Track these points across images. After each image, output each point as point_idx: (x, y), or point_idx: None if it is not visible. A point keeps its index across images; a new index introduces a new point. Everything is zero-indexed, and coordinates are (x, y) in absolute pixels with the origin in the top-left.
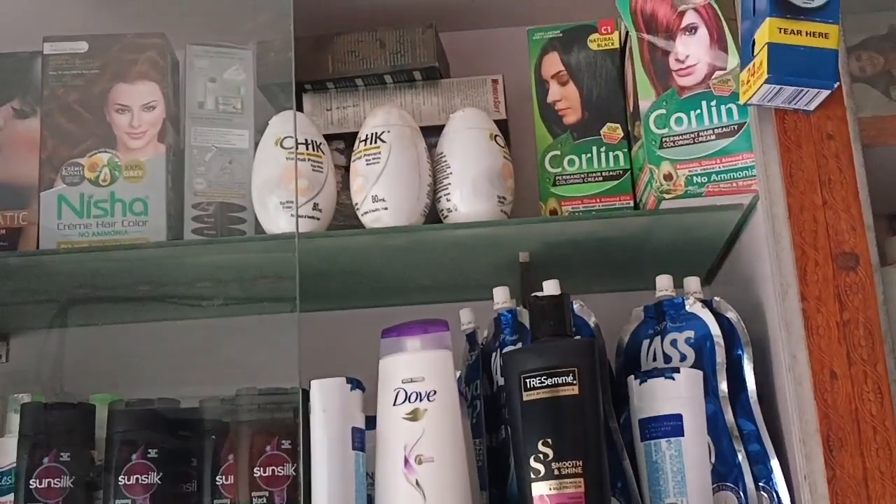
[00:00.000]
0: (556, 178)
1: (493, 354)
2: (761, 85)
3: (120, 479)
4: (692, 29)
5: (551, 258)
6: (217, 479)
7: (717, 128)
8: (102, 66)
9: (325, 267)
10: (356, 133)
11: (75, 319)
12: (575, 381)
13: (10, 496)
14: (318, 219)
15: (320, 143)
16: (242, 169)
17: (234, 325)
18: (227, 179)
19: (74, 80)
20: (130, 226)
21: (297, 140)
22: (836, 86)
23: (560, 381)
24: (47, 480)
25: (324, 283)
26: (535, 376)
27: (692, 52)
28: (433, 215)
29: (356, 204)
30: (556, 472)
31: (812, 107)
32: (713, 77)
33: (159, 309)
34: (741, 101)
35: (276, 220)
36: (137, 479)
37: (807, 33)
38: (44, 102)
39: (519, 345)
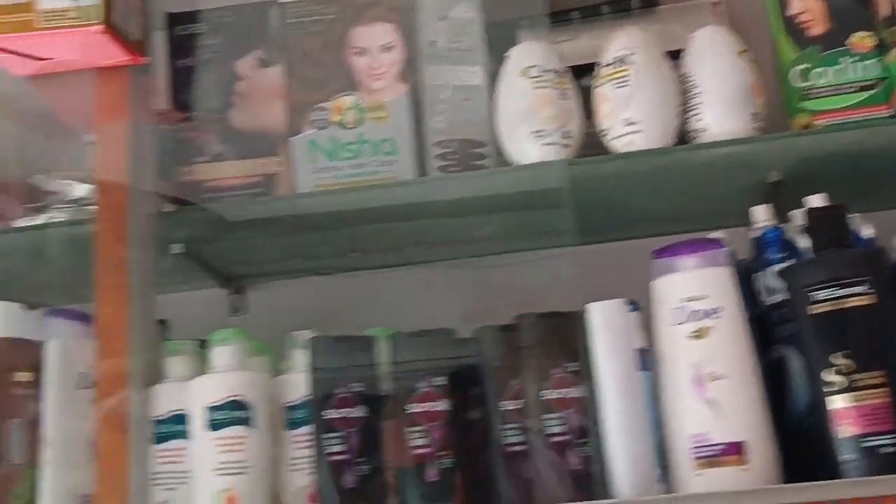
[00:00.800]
0: (806, 92)
1: (756, 275)
2: None
3: (409, 407)
4: None
5: (802, 176)
6: (502, 404)
7: None
8: (339, 11)
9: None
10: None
11: (331, 264)
12: (872, 290)
13: (305, 428)
14: (569, 146)
15: (564, 71)
16: (478, 105)
17: (492, 260)
18: (466, 116)
19: (313, 26)
20: (380, 166)
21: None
22: None
23: (853, 292)
24: (343, 411)
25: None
26: (823, 288)
27: None
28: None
29: (604, 130)
30: (858, 384)
31: None
32: None
33: (424, 248)
34: None
35: (527, 150)
36: (426, 407)
37: None
38: (285, 50)
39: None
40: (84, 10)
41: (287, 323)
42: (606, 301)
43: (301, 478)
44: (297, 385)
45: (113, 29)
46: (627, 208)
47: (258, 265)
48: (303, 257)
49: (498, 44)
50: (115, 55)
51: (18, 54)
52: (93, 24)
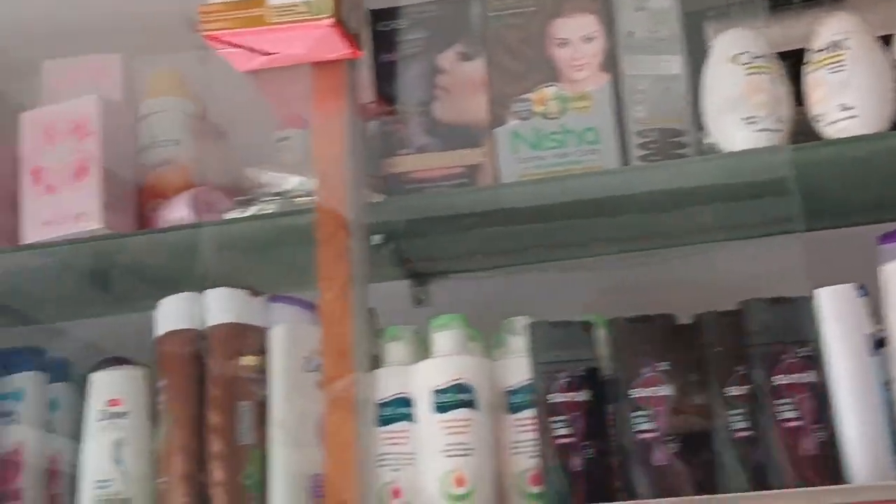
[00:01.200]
0: None
1: None
2: None
3: (633, 392)
4: None
5: None
6: (727, 389)
7: None
8: (539, 3)
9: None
10: None
11: (530, 256)
12: None
13: (526, 412)
14: (782, 132)
15: (773, 57)
16: (678, 94)
17: (703, 248)
18: (665, 105)
19: (514, 19)
20: (584, 155)
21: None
22: None
23: None
24: (567, 395)
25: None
26: None
27: None
28: None
29: (817, 115)
30: None
31: None
32: None
33: (631, 240)
34: None
35: (737, 137)
36: (651, 391)
37: None
38: (486, 43)
39: None
40: (314, 5)
41: (473, 315)
42: (836, 286)
43: (523, 461)
44: (516, 370)
45: (340, 23)
46: (840, 195)
47: (448, 258)
48: (496, 251)
49: (690, 33)
50: (339, 49)
51: (249, 49)
52: (323, 18)
